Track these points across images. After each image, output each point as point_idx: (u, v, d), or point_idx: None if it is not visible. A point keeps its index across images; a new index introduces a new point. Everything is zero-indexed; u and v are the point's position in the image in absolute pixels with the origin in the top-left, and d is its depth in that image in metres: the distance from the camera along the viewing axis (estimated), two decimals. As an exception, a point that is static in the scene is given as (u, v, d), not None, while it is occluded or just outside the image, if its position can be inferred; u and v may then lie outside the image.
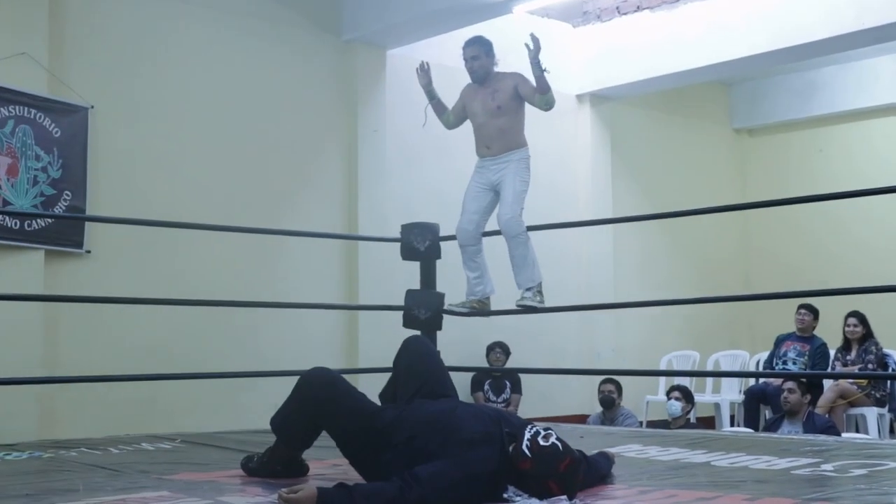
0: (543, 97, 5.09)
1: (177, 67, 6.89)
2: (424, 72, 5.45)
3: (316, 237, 7.06)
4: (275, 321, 6.99)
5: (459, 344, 6.94)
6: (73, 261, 6.32)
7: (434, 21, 7.46)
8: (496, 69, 5.28)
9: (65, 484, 3.27)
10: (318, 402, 3.18)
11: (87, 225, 6.34)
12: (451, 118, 5.51)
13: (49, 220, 6.16)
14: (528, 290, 5.19)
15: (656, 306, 7.79)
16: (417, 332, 5.61)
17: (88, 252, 6.36)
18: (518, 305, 5.23)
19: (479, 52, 5.24)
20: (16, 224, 6.04)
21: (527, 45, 5.01)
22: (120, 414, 6.15)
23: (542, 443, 2.80)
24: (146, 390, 6.22)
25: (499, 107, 5.19)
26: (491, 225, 5.39)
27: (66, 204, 6.26)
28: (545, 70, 5.02)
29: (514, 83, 5.18)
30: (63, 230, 6.25)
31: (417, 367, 3.45)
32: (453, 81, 8.51)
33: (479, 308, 5.41)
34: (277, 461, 3.40)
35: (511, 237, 5.18)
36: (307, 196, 7.53)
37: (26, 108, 6.13)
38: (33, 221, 6.10)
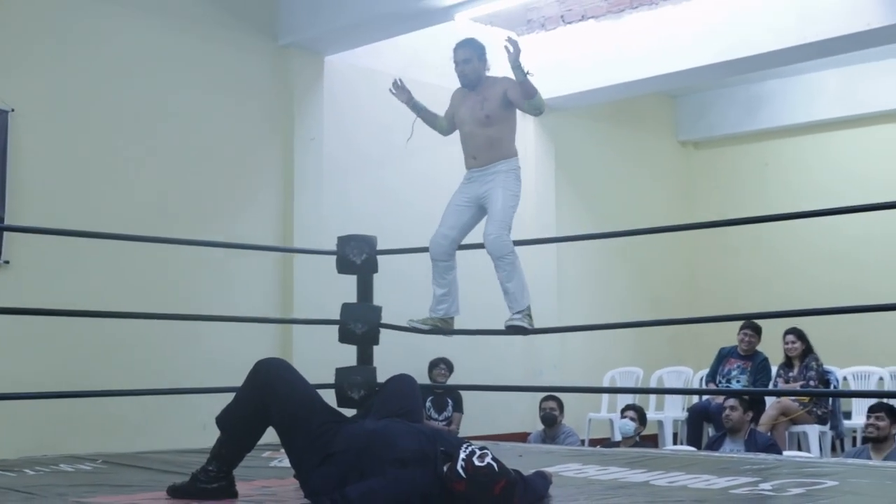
0: (531, 102, 4.89)
1: (103, 70, 6.80)
2: (400, 88, 5.25)
3: (249, 249, 7.02)
4: (206, 335, 6.91)
5: (401, 359, 6.92)
6: (-10, 271, 6.20)
7: (373, 27, 7.48)
8: (487, 73, 5.05)
9: (-25, 508, 3.20)
10: (269, 385, 3.20)
11: (6, 234, 6.21)
12: (444, 124, 5.29)
13: (-35, 229, 6.04)
14: (518, 312, 4.99)
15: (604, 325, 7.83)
16: (355, 348, 5.64)
17: (7, 262, 6.24)
18: (507, 326, 5.01)
19: (471, 55, 5.00)
20: (-71, 232, 5.91)
21: (506, 48, 4.82)
22: (38, 433, 6.04)
23: (477, 463, 2.80)
24: (66, 408, 6.11)
25: (487, 116, 4.97)
26: (473, 237, 5.23)
27: (-17, 211, 6.14)
28: (528, 73, 4.83)
29: (503, 89, 4.95)
30: (-20, 239, 6.13)
31: (401, 396, 3.46)
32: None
33: (442, 326, 5.20)
34: (212, 469, 3.36)
35: (497, 258, 4.94)
36: (241, 205, 7.48)
37: (-59, 111, 6.00)
38: (-53, 230, 5.97)
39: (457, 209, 5.12)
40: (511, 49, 4.80)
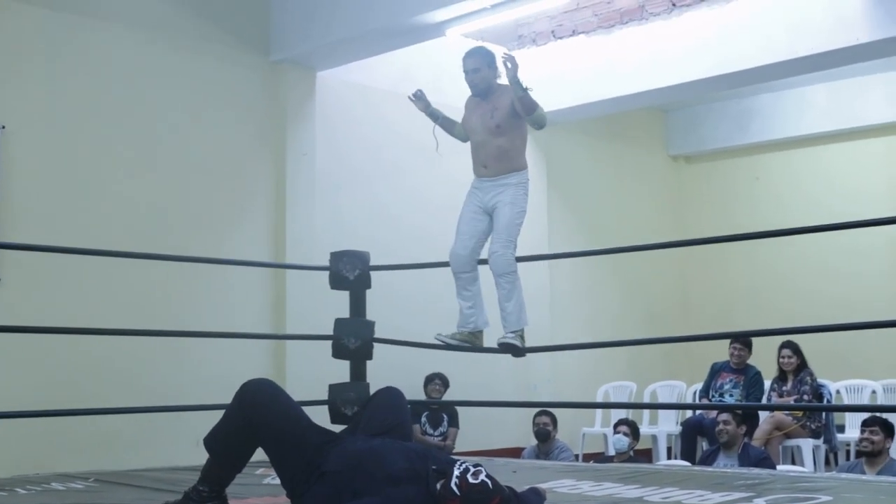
0: (531, 117, 4.88)
1: (95, 86, 6.80)
2: (419, 98, 5.23)
3: (243, 265, 7.01)
4: (199, 351, 6.89)
5: (396, 374, 6.89)
6: (-19, 289, 6.17)
7: (365, 43, 7.49)
8: (499, 81, 5.02)
9: (-34, 528, 3.18)
10: (258, 408, 3.17)
11: (-2, 251, 6.20)
12: (461, 131, 5.25)
13: (-44, 246, 6.00)
14: (512, 332, 4.96)
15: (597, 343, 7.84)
16: (348, 363, 5.63)
17: (-1, 280, 6.22)
18: (500, 344, 4.98)
19: (480, 64, 4.99)
20: (-80, 250, 5.88)
21: (504, 64, 4.80)
22: (30, 451, 6.00)
23: (471, 480, 2.79)
24: (58, 426, 6.07)
25: (498, 126, 4.93)
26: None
27: (-26, 229, 6.12)
28: (528, 88, 4.80)
29: (510, 99, 4.90)
30: (-29, 256, 6.10)
31: (390, 409, 3.46)
32: (383, 106, 8.62)
33: (472, 341, 5.11)
34: (204, 490, 3.33)
35: (498, 275, 4.91)
36: (233, 221, 7.47)
37: (-67, 128, 5.98)
38: (-61, 247, 5.94)
39: (470, 219, 5.07)
40: (509, 65, 4.77)
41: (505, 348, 5.00)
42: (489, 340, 5.26)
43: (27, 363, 6.20)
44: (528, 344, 5.15)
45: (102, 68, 6.84)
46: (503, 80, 5.00)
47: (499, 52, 5.13)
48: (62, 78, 6.64)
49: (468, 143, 5.30)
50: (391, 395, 3.55)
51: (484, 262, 5.07)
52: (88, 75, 6.77)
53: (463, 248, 5.06)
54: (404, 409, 3.53)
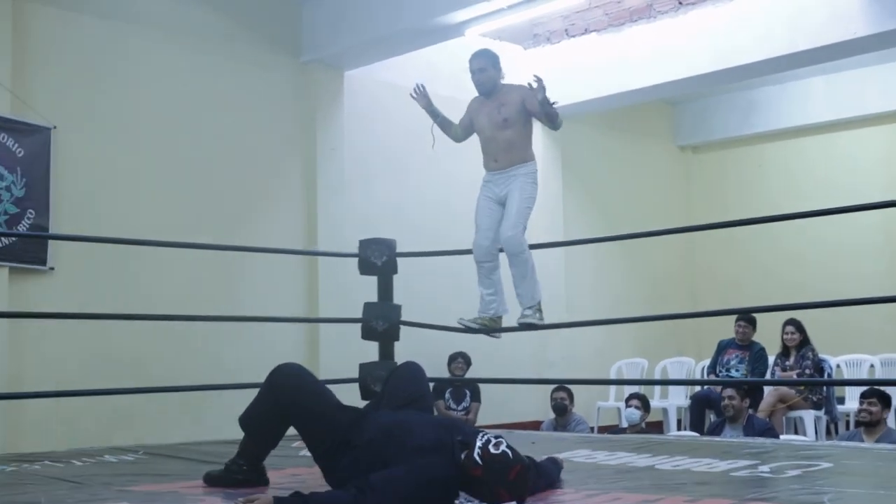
0: (554, 125, 4.96)
1: (138, 87, 6.84)
2: (421, 94, 5.21)
3: (278, 253, 7.05)
4: (237, 335, 6.95)
5: (421, 354, 6.89)
6: (37, 277, 6.24)
7: (390, 43, 7.49)
8: (503, 81, 5.05)
9: (27, 497, 3.23)
10: (287, 390, 3.22)
11: (51, 242, 6.26)
12: (458, 131, 5.28)
13: (13, 239, 6.07)
14: (529, 308, 4.97)
15: (611, 320, 7.83)
16: (377, 345, 5.66)
17: (52, 269, 6.28)
18: (519, 323, 5.01)
19: (486, 65, 5.00)
20: (-20, 242, 5.95)
21: (530, 85, 4.78)
22: (84, 427, 6.08)
23: (492, 451, 2.80)
24: (110, 404, 6.15)
25: (505, 119, 4.95)
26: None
27: (29, 222, 6.19)
28: (554, 103, 4.82)
29: (520, 97, 4.92)
30: (27, 248, 6.17)
31: (410, 381, 3.48)
32: (407, 103, 8.59)
33: (491, 326, 5.14)
34: (243, 463, 3.41)
35: (512, 255, 4.96)
36: (268, 212, 7.51)
37: (-10, 129, 6.05)
38: (-2, 239, 6.02)
39: (487, 211, 5.10)
40: (535, 86, 4.75)
41: (524, 327, 5.03)
42: (508, 323, 5.26)
43: (79, 347, 6.27)
44: (548, 320, 5.17)
45: (144, 71, 6.88)
46: (507, 80, 5.06)
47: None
48: (107, 81, 6.68)
49: (465, 140, 5.35)
50: (411, 369, 3.57)
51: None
52: (131, 78, 6.81)
53: (484, 238, 5.09)
54: (423, 381, 3.54)
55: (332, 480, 3.06)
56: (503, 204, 5.04)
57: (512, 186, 4.98)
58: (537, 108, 4.87)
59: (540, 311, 5.02)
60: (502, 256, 5.09)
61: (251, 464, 3.42)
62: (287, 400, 3.21)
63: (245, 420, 3.39)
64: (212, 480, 3.44)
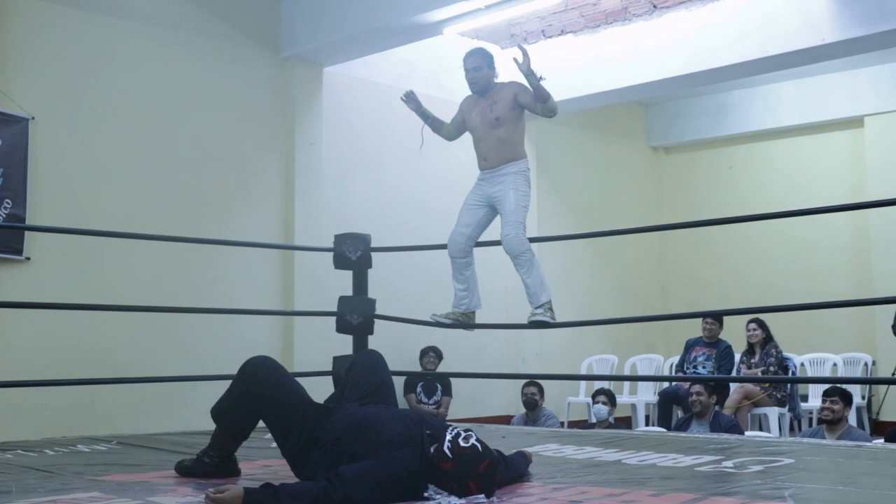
0: (545, 105, 4.80)
1: (117, 80, 6.78)
2: (410, 99, 5.14)
3: (253, 247, 7.02)
4: (213, 327, 6.91)
5: (394, 348, 6.93)
6: (12, 267, 6.17)
7: (369, 40, 7.46)
8: (497, 80, 4.98)
9: (-2, 486, 3.20)
10: (257, 383, 3.20)
11: (27, 232, 6.19)
12: (451, 130, 5.19)
13: (-11, 228, 6.01)
14: (539, 306, 4.88)
15: (579, 318, 7.86)
16: (351, 338, 5.64)
17: (28, 259, 6.21)
18: (530, 321, 4.91)
19: (481, 63, 4.93)
20: (-44, 231, 5.88)
21: (515, 60, 4.72)
22: (58, 417, 6.02)
23: (462, 444, 2.81)
24: (84, 394, 6.10)
25: (497, 118, 4.87)
26: (489, 234, 5.16)
27: (6, 212, 6.11)
28: (541, 78, 4.73)
29: (512, 93, 4.86)
30: (3, 238, 6.10)
31: (370, 371, 3.47)
32: (385, 99, 8.62)
33: (464, 321, 5.12)
34: (214, 454, 3.39)
35: (514, 256, 4.85)
36: (246, 206, 7.47)
37: (-33, 118, 5.98)
38: (-27, 229, 5.95)
39: (470, 208, 5.04)
40: (521, 59, 4.71)
41: (535, 325, 4.93)
42: (481, 320, 5.27)
43: (55, 337, 6.21)
44: (515, 319, 5.16)
45: (124, 64, 6.82)
46: (500, 79, 4.99)
47: (493, 49, 5.10)
48: (86, 73, 6.61)
49: (458, 139, 5.30)
50: (370, 359, 3.57)
51: (489, 244, 5.05)
52: (110, 71, 6.75)
53: (459, 235, 5.05)
54: (384, 370, 3.53)
55: (302, 475, 3.05)
56: (490, 206, 4.98)
57: (503, 186, 4.91)
58: (530, 100, 4.80)
59: (551, 309, 4.91)
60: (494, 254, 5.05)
61: (222, 455, 3.41)
62: (257, 392, 3.19)
63: (216, 412, 3.37)
64: (184, 470, 3.43)
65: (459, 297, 5.12)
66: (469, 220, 5.04)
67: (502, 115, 4.88)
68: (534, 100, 4.81)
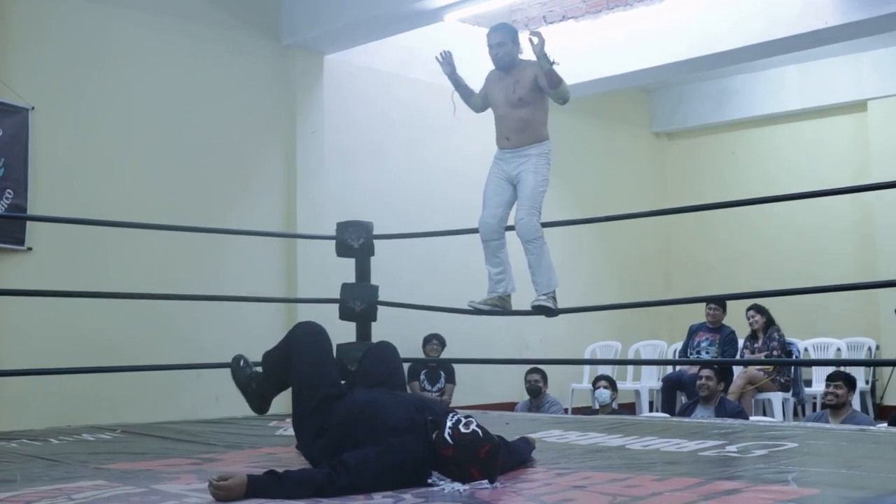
0: (556, 91, 4.72)
1: (118, 70, 6.76)
2: (446, 61, 4.98)
3: (256, 235, 7.02)
4: (216, 315, 6.91)
5: (397, 335, 6.90)
6: (15, 257, 6.17)
7: (370, 27, 7.44)
8: (521, 56, 4.87)
9: (3, 474, 3.20)
10: (297, 342, 3.38)
11: (29, 223, 6.19)
12: (478, 102, 5.07)
13: (-9, 218, 6.01)
14: (545, 294, 4.82)
15: (582, 304, 7.86)
16: (354, 325, 5.65)
17: (30, 249, 6.22)
18: (533, 306, 4.86)
19: (504, 39, 4.83)
20: (-42, 222, 5.89)
21: (530, 40, 4.62)
22: (63, 406, 6.04)
23: (462, 430, 2.81)
24: (89, 383, 6.11)
25: (520, 99, 4.78)
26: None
27: (7, 202, 6.11)
28: (554, 62, 4.64)
29: (534, 73, 4.76)
30: (5, 228, 6.10)
31: (380, 361, 3.51)
32: (387, 86, 8.60)
33: (501, 305, 4.99)
34: (257, 387, 3.61)
35: (526, 241, 4.78)
36: (248, 194, 7.46)
37: (-32, 109, 5.97)
38: (-25, 219, 5.95)
39: (496, 189, 4.93)
40: (535, 40, 4.63)
41: (538, 310, 4.87)
42: (517, 303, 5.15)
43: (58, 326, 6.21)
44: (520, 307, 5.14)
45: (124, 53, 6.80)
46: (525, 55, 4.87)
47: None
48: (87, 63, 6.60)
49: (478, 116, 5.22)
50: (384, 349, 3.61)
51: (510, 228, 4.98)
52: (111, 60, 6.73)
53: (491, 216, 4.93)
54: (396, 361, 3.57)
55: (304, 450, 3.16)
56: (513, 183, 4.90)
57: (525, 167, 4.83)
58: (545, 86, 4.74)
59: (554, 298, 4.86)
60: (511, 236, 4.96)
61: (263, 393, 3.58)
62: (294, 350, 3.35)
63: (265, 356, 3.58)
64: (234, 372, 3.66)
65: (495, 281, 4.98)
66: (497, 200, 4.92)
67: (525, 96, 4.79)
68: (547, 85, 4.75)
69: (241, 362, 3.66)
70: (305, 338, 3.36)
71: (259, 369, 3.62)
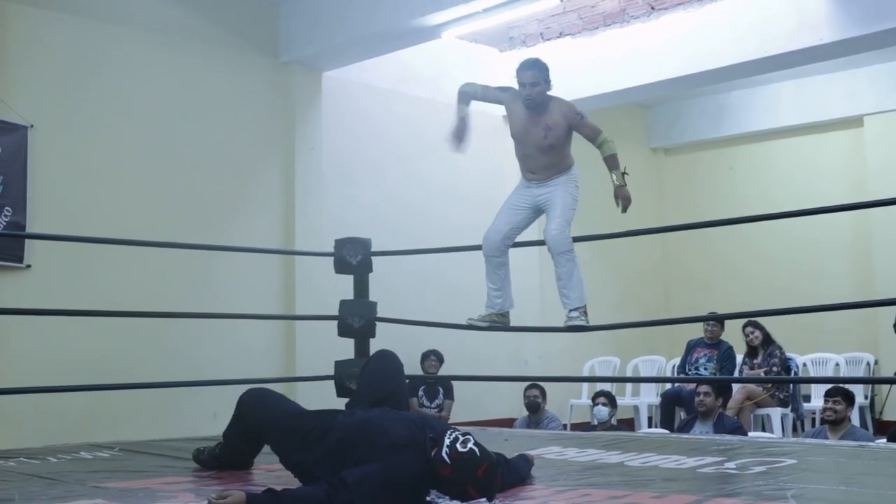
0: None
1: (116, 87, 6.79)
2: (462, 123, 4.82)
3: (254, 252, 7.02)
4: (215, 332, 6.91)
5: (395, 351, 6.90)
6: (13, 275, 6.18)
7: (368, 44, 7.48)
8: (549, 92, 4.72)
9: (0, 493, 3.19)
10: (252, 414, 3.34)
11: (28, 240, 6.20)
12: (496, 96, 4.87)
13: (-10, 236, 6.02)
14: (575, 309, 4.74)
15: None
16: (353, 342, 5.65)
17: (29, 266, 6.22)
18: (566, 326, 4.79)
19: (539, 79, 4.63)
20: (-43, 239, 5.89)
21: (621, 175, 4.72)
22: (61, 424, 6.02)
23: (460, 449, 2.79)
24: (87, 400, 6.09)
25: (551, 145, 4.69)
26: (530, 235, 5.11)
27: (6, 219, 6.12)
28: (625, 174, 4.77)
29: (565, 120, 4.67)
30: (4, 245, 6.11)
31: (380, 379, 3.51)
32: (385, 103, 8.62)
33: (499, 322, 4.97)
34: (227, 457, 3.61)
35: (557, 253, 4.73)
36: (246, 211, 7.47)
37: (-33, 127, 5.99)
38: (-26, 237, 5.95)
39: (512, 209, 4.88)
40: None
41: (571, 329, 4.80)
42: (515, 320, 5.15)
43: (56, 344, 6.21)
44: (518, 323, 5.12)
45: (123, 71, 6.83)
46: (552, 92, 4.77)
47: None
48: (85, 80, 6.62)
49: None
50: (384, 362, 3.58)
51: (531, 244, 4.96)
52: (110, 78, 6.76)
53: (496, 233, 4.88)
54: (397, 375, 3.57)
55: (304, 480, 3.07)
56: (537, 208, 4.85)
57: (553, 194, 4.77)
58: (588, 133, 4.73)
59: (586, 313, 4.79)
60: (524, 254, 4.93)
61: (231, 452, 3.62)
62: (254, 422, 3.36)
63: (226, 439, 3.59)
64: (201, 463, 3.69)
65: (493, 298, 4.97)
66: (508, 220, 4.87)
67: (556, 143, 4.70)
68: (594, 132, 4.72)
69: (202, 453, 3.75)
70: (254, 403, 3.38)
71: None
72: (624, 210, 4.78)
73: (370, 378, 3.52)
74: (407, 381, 8.27)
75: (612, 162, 4.76)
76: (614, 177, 4.77)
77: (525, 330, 5.00)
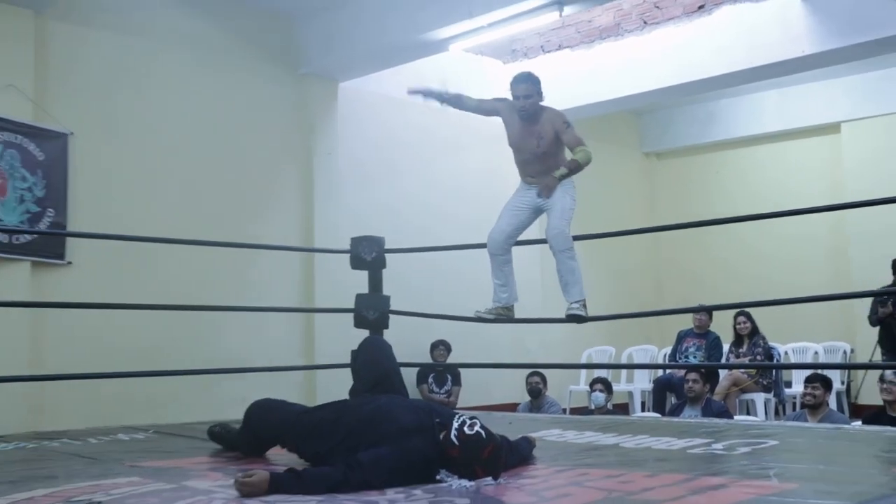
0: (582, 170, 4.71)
1: (150, 97, 6.81)
2: (423, 93, 4.89)
3: (277, 249, 7.04)
4: (241, 323, 6.93)
5: (407, 341, 6.93)
6: (56, 271, 6.21)
7: (380, 57, 7.49)
8: (541, 103, 4.74)
9: (46, 471, 3.23)
10: (262, 423, 3.39)
11: (69, 239, 6.23)
12: (476, 105, 4.89)
13: (35, 235, 6.05)
14: (576, 302, 4.76)
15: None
16: (368, 333, 5.65)
17: (70, 263, 6.25)
18: (567, 315, 4.78)
19: (532, 92, 4.65)
20: (5, 238, 5.92)
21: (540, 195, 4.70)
22: (101, 408, 6.05)
23: (467, 432, 2.81)
24: (124, 386, 6.11)
25: (545, 152, 4.70)
26: (531, 234, 5.12)
27: (49, 220, 6.16)
28: (565, 174, 4.68)
29: (554, 130, 4.67)
30: (47, 244, 6.14)
31: (374, 364, 3.50)
32: (397, 111, 8.61)
33: (505, 314, 4.98)
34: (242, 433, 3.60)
35: (558, 251, 4.72)
36: (270, 212, 7.49)
37: (14, 135, 6.02)
38: (20, 236, 5.98)
39: (514, 210, 4.88)
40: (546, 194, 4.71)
41: (571, 319, 4.82)
42: (519, 312, 5.17)
43: (95, 335, 6.23)
44: (521, 315, 5.14)
45: (154, 83, 6.85)
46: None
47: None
48: (120, 91, 6.65)
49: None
50: (374, 347, 3.60)
51: (532, 242, 4.98)
52: (142, 89, 6.78)
53: (499, 233, 4.89)
54: (386, 358, 3.55)
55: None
56: (537, 209, 4.85)
57: (553, 195, 4.76)
58: (570, 141, 4.69)
59: (585, 306, 4.80)
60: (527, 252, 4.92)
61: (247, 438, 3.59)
62: (261, 432, 3.41)
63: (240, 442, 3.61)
64: (213, 435, 3.71)
65: (498, 293, 4.98)
66: (511, 221, 4.88)
67: (548, 148, 4.71)
68: (575, 140, 4.68)
69: (217, 428, 3.77)
70: (265, 409, 3.42)
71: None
72: (538, 194, 4.73)
73: (364, 364, 3.53)
74: (418, 368, 8.33)
75: (570, 163, 4.71)
76: (558, 170, 4.70)
77: (528, 321, 5.00)
